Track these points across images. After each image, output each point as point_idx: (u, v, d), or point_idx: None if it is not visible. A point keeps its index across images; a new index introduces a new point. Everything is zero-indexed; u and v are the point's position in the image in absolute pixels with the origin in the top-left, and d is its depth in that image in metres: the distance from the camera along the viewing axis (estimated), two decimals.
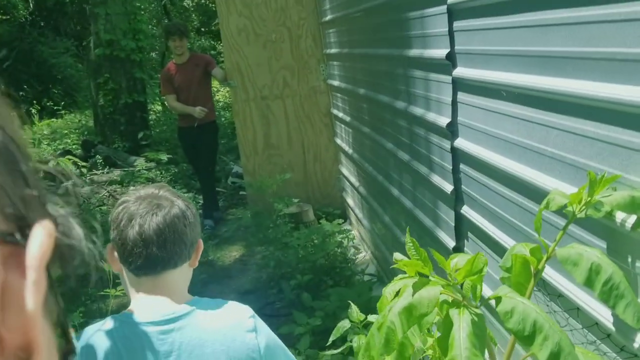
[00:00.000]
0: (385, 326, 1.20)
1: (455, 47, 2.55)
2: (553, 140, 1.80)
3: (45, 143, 11.20)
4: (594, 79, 1.56)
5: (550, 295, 1.91)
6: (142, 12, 9.26)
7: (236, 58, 6.14)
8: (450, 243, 2.80)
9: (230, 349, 1.39)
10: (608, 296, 1.28)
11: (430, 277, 1.22)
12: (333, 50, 5.61)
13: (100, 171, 8.53)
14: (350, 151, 5.36)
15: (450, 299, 1.26)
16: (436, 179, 2.92)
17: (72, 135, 11.15)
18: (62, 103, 14.29)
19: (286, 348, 1.58)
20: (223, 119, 10.53)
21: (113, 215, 1.50)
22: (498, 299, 1.22)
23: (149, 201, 1.46)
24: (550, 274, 1.87)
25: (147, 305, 1.45)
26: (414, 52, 3.07)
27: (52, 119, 13.52)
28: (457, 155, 2.65)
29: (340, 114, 5.60)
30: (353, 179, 5.46)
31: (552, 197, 1.44)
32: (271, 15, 6.06)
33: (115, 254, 1.48)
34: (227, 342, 1.40)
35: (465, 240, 2.72)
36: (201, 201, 6.89)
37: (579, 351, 1.33)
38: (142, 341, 1.39)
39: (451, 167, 2.69)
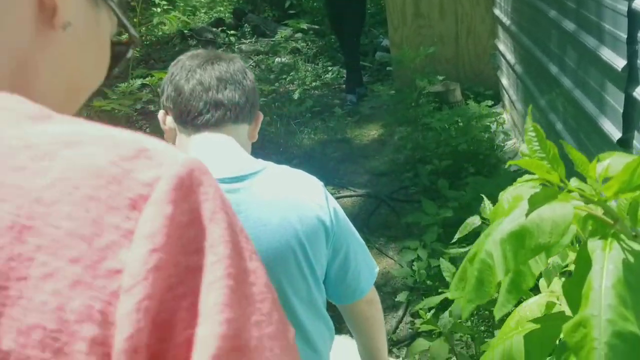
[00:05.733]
0: (478, 260, 0.78)
1: None
2: None
3: (203, 11, 11.28)
4: None
5: None
6: None
7: None
8: (616, 134, 2.23)
9: (300, 207, 1.26)
10: None
11: (561, 187, 0.77)
12: None
13: (249, 40, 8.40)
14: (508, 22, 4.65)
15: (592, 222, 0.81)
16: (606, 53, 2.30)
17: (225, 3, 11.08)
18: None
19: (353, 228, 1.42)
20: None
21: (166, 77, 1.33)
22: None
23: (205, 54, 1.35)
24: None
25: (210, 163, 1.20)
26: None
27: None
28: (636, 20, 2.02)
29: None
30: (509, 56, 4.78)
31: None
32: None
33: (168, 117, 1.33)
34: (298, 200, 1.27)
35: (636, 132, 2.14)
36: (345, 75, 6.53)
37: None
38: None
39: (625, 37, 2.07)
